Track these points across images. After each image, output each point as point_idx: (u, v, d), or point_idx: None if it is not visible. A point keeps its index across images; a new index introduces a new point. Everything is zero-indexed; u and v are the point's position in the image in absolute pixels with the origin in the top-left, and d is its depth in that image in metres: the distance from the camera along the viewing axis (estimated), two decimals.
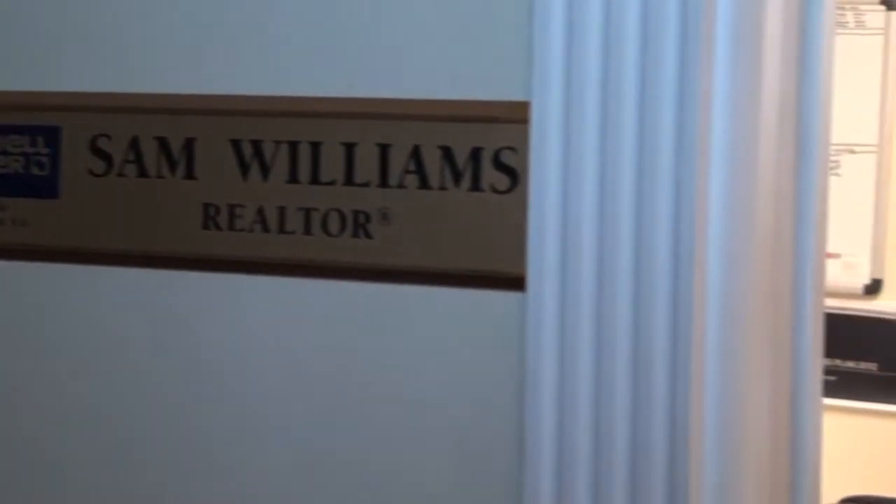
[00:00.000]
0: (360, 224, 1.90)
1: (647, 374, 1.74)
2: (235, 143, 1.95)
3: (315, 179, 1.92)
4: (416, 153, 1.88)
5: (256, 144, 1.94)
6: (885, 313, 3.51)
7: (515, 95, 1.83)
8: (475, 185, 1.86)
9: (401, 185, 1.89)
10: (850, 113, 3.51)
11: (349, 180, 1.91)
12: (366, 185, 1.90)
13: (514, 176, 1.85)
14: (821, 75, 1.81)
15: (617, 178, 1.75)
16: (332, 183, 1.92)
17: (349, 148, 1.90)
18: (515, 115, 1.82)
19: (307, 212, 1.92)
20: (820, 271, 1.84)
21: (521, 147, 1.82)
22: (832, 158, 3.55)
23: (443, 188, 1.87)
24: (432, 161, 1.87)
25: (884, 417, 3.51)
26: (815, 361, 1.85)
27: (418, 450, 1.91)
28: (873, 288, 3.52)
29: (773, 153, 1.75)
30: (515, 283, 1.82)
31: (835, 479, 3.31)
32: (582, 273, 1.76)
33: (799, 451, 1.83)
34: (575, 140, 1.76)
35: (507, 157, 1.85)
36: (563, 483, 1.77)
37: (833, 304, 3.54)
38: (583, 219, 1.76)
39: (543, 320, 1.78)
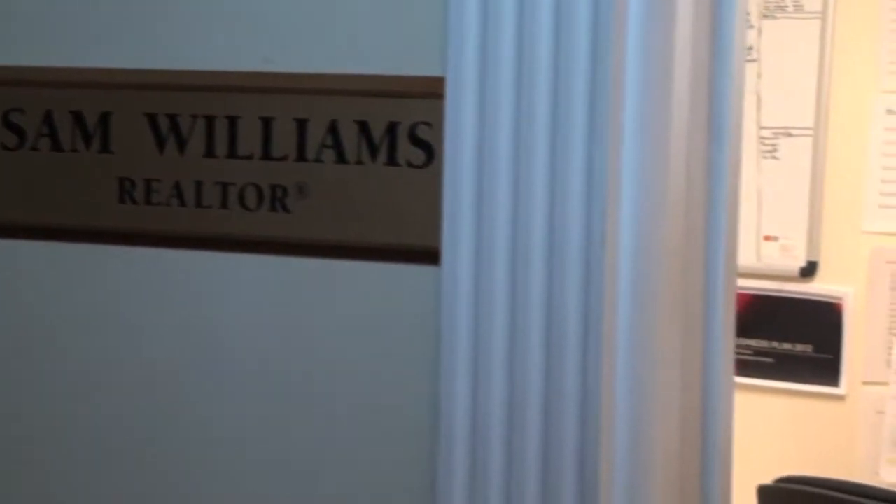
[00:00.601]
0: (277, 198, 1.91)
1: (559, 348, 1.75)
2: (151, 117, 1.95)
3: (232, 153, 1.93)
4: (332, 127, 1.89)
5: (173, 118, 1.94)
6: (820, 295, 3.54)
7: (431, 70, 1.84)
8: (391, 160, 1.88)
9: (318, 160, 1.90)
10: (787, 96, 3.53)
11: (266, 154, 1.91)
12: (283, 159, 1.91)
13: (430, 150, 1.86)
14: (734, 53, 1.82)
15: (530, 155, 1.76)
16: (249, 157, 1.92)
17: (266, 122, 1.91)
18: (430, 90, 1.83)
19: (224, 186, 1.93)
20: (732, 253, 1.86)
21: (436, 122, 1.84)
22: (770, 142, 3.59)
23: (359, 162, 1.89)
24: (349, 135, 1.88)
25: (819, 399, 3.54)
26: (726, 342, 1.87)
27: (332, 422, 1.93)
28: (809, 270, 3.54)
29: (684, 134, 1.76)
30: (430, 256, 1.83)
31: (771, 459, 3.36)
32: (496, 247, 1.77)
33: (710, 431, 1.85)
34: (489, 115, 1.78)
35: (422, 132, 1.87)
36: (477, 455, 1.78)
37: (770, 286, 3.61)
38: (497, 193, 1.77)
39: (457, 294, 1.79)
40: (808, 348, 3.56)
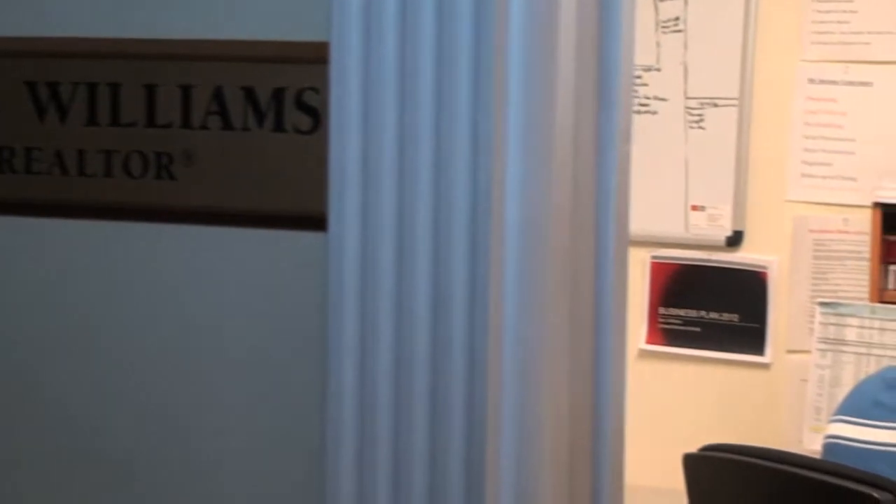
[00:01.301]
0: (162, 165, 1.89)
1: (446, 312, 1.74)
2: (31, 86, 1.92)
3: (115, 121, 1.90)
4: (218, 94, 1.87)
5: (53, 87, 1.91)
6: (746, 264, 3.54)
7: (316, 36, 1.81)
8: (278, 126, 1.85)
9: (204, 127, 1.87)
10: (713, 67, 3.52)
11: (151, 122, 1.89)
12: (168, 126, 1.88)
13: (317, 116, 1.84)
14: (622, 19, 1.80)
15: (416, 118, 1.75)
16: (132, 125, 1.90)
17: (150, 89, 1.88)
18: (316, 56, 1.80)
19: (108, 154, 1.91)
20: (623, 220, 1.85)
21: (323, 88, 1.81)
22: (696, 112, 3.58)
23: (246, 129, 1.86)
24: (235, 102, 1.86)
25: (746, 367, 3.55)
26: (618, 307, 1.85)
27: (221, 389, 1.91)
28: (735, 240, 3.54)
29: (571, 99, 1.74)
30: (317, 223, 1.81)
31: (698, 428, 3.35)
32: (382, 212, 1.76)
33: (602, 395, 1.83)
34: (374, 80, 1.76)
35: (309, 98, 1.84)
36: (366, 420, 1.77)
37: (698, 255, 3.61)
38: (383, 158, 1.76)
39: (344, 259, 1.78)
40: (735, 317, 3.56)
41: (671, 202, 3.58)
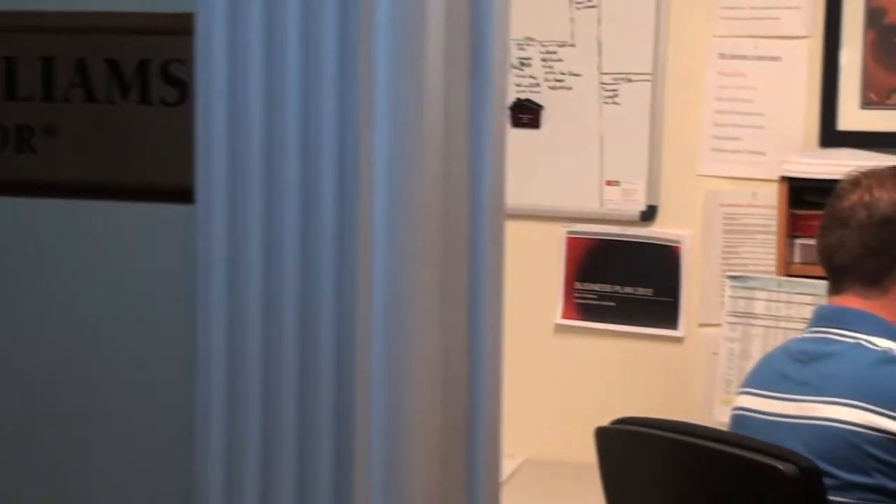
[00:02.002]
0: (24, 139, 1.84)
1: (315, 284, 1.71)
2: None
3: None
4: (81, 66, 1.81)
5: None
6: (659, 239, 3.52)
7: (181, 6, 1.77)
8: (144, 98, 1.81)
9: (66, 99, 1.83)
10: (626, 42, 3.49)
11: (10, 95, 1.84)
12: (28, 99, 1.83)
13: (184, 88, 1.79)
14: None
15: (283, 89, 1.72)
16: None
17: (9, 61, 1.84)
18: (181, 27, 1.76)
19: None
20: (499, 188, 1.80)
21: (189, 59, 1.77)
22: (610, 87, 3.55)
23: (110, 101, 1.82)
24: (98, 74, 1.82)
25: (659, 341, 3.53)
26: (493, 278, 1.81)
27: (89, 362, 1.87)
28: (649, 214, 3.52)
29: (440, 65, 1.69)
30: (185, 195, 1.76)
31: (613, 402, 3.34)
32: (250, 183, 1.73)
33: (477, 365, 1.79)
34: (240, 50, 1.73)
35: (175, 70, 1.80)
36: (235, 392, 1.74)
37: (612, 230, 3.58)
38: (250, 130, 1.72)
39: (212, 232, 1.76)
40: (649, 291, 3.54)
41: (586, 177, 3.56)
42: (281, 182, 1.70)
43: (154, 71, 1.79)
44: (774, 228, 3.25)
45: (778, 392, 2.38)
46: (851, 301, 2.38)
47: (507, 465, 3.54)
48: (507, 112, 1.83)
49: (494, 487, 1.81)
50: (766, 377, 2.45)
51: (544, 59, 3.58)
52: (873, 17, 3.29)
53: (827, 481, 2.17)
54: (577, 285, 3.60)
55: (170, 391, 1.84)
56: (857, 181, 2.41)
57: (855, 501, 2.22)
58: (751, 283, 3.21)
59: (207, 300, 1.74)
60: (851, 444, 2.22)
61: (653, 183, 3.52)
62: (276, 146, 1.70)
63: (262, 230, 1.71)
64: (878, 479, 2.20)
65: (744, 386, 2.52)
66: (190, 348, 1.77)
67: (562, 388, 3.63)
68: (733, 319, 3.23)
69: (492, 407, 1.83)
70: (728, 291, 3.24)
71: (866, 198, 2.37)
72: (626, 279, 3.56)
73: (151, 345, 1.85)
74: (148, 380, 1.85)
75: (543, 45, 3.58)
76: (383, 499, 1.65)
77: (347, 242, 1.68)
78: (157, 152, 1.81)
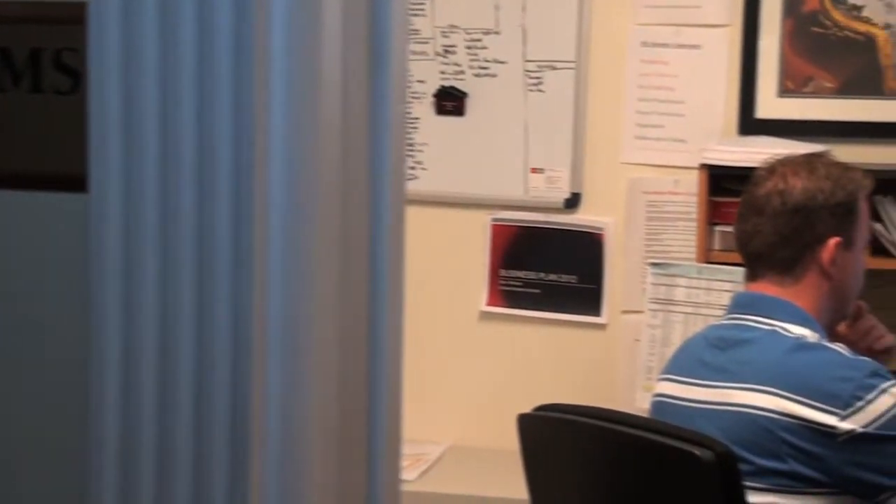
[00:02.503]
0: None
1: (210, 271, 1.66)
2: None
3: None
4: None
5: None
6: (583, 226, 3.50)
7: None
8: (36, 87, 1.75)
9: None
10: (550, 30, 3.46)
11: None
12: None
13: (76, 77, 1.72)
14: None
15: (178, 78, 1.67)
16: None
17: None
18: (74, 16, 1.70)
19: None
20: (399, 179, 1.76)
21: (81, 48, 1.71)
22: (534, 75, 3.51)
23: (1, 90, 1.75)
24: None
25: (583, 328, 3.51)
26: (394, 270, 1.76)
27: None
28: (573, 202, 3.50)
29: (338, 54, 1.65)
30: (79, 183, 1.71)
31: (539, 389, 3.31)
32: (145, 172, 1.69)
33: (377, 354, 1.74)
34: (134, 41, 1.69)
35: (68, 59, 1.75)
36: (130, 388, 1.69)
37: (537, 218, 3.55)
38: (144, 118, 1.67)
39: (106, 220, 1.72)
40: (573, 278, 3.52)
41: (511, 165, 3.53)
42: (177, 173, 1.65)
43: (46, 60, 1.74)
44: (695, 216, 3.23)
45: (696, 378, 2.36)
46: (767, 288, 2.36)
47: (432, 452, 3.53)
48: (405, 104, 1.77)
49: (395, 478, 1.76)
50: (685, 363, 2.43)
51: (469, 47, 3.54)
52: (791, 6, 3.29)
53: (742, 467, 2.16)
54: (502, 272, 3.57)
55: (62, 388, 1.78)
56: (773, 169, 2.39)
57: (769, 486, 2.21)
58: (672, 270, 3.19)
59: (101, 290, 1.70)
60: (766, 430, 2.21)
61: (577, 170, 3.49)
62: (171, 136, 1.65)
63: (157, 219, 1.67)
64: (792, 465, 2.19)
65: (664, 372, 2.50)
66: (84, 343, 1.72)
67: (486, 374, 3.60)
68: (655, 306, 3.21)
69: (391, 401, 1.78)
70: (649, 278, 3.22)
71: (781, 185, 2.35)
72: (551, 266, 3.54)
73: (42, 339, 1.78)
74: (40, 377, 1.79)
75: (468, 33, 3.54)
76: (279, 493, 1.60)
77: (243, 234, 1.63)
78: (51, 141, 1.76)
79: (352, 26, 1.65)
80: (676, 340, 3.08)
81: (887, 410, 2.17)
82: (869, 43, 3.24)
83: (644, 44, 3.41)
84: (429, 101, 3.57)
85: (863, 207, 2.39)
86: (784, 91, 3.31)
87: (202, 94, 1.64)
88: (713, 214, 3.19)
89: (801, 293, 2.34)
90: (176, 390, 1.66)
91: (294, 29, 1.61)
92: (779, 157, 2.43)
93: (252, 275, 1.63)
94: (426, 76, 3.57)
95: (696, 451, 2.08)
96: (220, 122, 1.63)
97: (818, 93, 3.29)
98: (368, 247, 1.72)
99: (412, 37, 3.57)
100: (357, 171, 1.69)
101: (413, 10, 3.57)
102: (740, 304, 2.40)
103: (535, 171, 3.53)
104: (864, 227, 2.40)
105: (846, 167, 2.42)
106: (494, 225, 3.57)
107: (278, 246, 1.63)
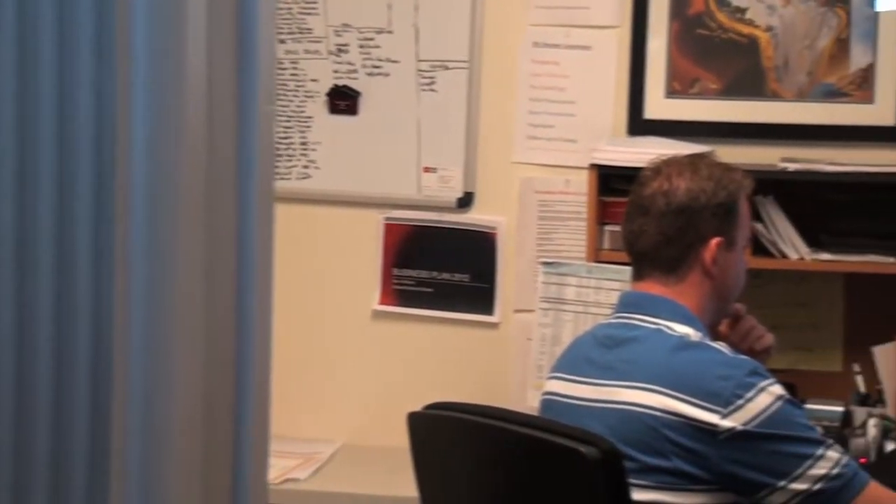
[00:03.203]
0: None
1: (70, 272, 1.61)
2: None
3: None
4: None
5: None
6: (476, 225, 3.50)
7: None
8: None
9: None
10: (443, 29, 3.46)
11: None
12: None
13: None
14: None
15: (37, 80, 1.61)
16: None
17: None
18: None
19: None
20: (267, 177, 1.74)
21: None
22: (427, 75, 3.50)
23: None
24: None
25: (476, 327, 3.52)
26: (262, 271, 1.74)
27: None
28: (465, 201, 3.50)
29: (203, 56, 1.61)
30: None
31: (432, 387, 3.30)
32: (2, 175, 1.61)
33: (244, 348, 1.72)
34: None
35: None
36: None
37: (429, 217, 3.54)
38: (2, 118, 1.60)
39: None
40: (466, 277, 3.52)
41: (404, 164, 3.52)
42: (36, 173, 1.61)
43: None
44: (586, 215, 3.24)
45: (584, 377, 2.36)
46: (652, 287, 2.38)
47: (325, 450, 3.51)
48: (274, 104, 1.75)
49: (262, 473, 1.74)
50: (573, 362, 2.43)
51: (362, 46, 3.53)
52: (678, 9, 3.31)
53: (628, 464, 2.16)
54: (395, 271, 3.56)
55: None
56: (658, 169, 2.40)
57: (653, 484, 2.22)
58: (562, 270, 3.20)
59: None
60: (651, 428, 2.22)
61: (469, 170, 3.49)
62: (31, 137, 1.60)
63: (12, 220, 1.61)
64: (675, 463, 2.20)
65: (553, 371, 2.51)
66: None
67: (379, 373, 3.58)
68: (546, 305, 3.22)
69: (259, 396, 1.75)
70: (541, 277, 3.23)
71: (665, 186, 2.36)
72: (443, 265, 3.53)
73: None
74: None
75: (361, 32, 3.52)
76: (141, 489, 1.57)
77: (104, 233, 1.59)
78: None
79: (218, 25, 1.62)
80: (567, 339, 3.09)
81: (766, 408, 2.19)
82: (752, 45, 3.28)
83: (535, 44, 3.42)
84: (322, 100, 3.55)
85: (743, 207, 2.41)
86: (671, 92, 3.34)
87: (62, 94, 1.60)
88: (603, 214, 3.21)
89: (685, 292, 2.36)
90: (35, 387, 1.61)
91: (157, 28, 1.57)
92: (664, 158, 2.45)
93: (113, 273, 1.59)
94: (319, 75, 3.54)
95: (582, 449, 2.09)
96: (82, 121, 1.59)
97: (703, 94, 3.32)
98: (235, 244, 1.69)
99: (305, 36, 3.55)
100: (223, 170, 1.66)
101: (306, 8, 3.55)
102: (627, 304, 2.42)
103: (427, 170, 3.52)
104: (744, 227, 2.41)
105: (728, 168, 2.43)
106: (387, 224, 3.56)
107: (140, 244, 1.59)
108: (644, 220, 2.37)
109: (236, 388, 1.70)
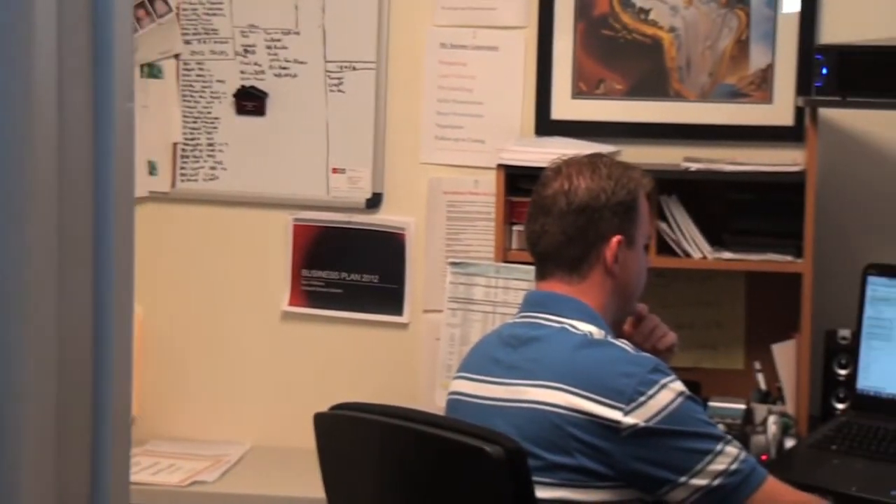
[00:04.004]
0: None
1: None
2: None
3: None
4: None
5: None
6: (385, 226, 3.50)
7: None
8: None
9: None
10: (350, 30, 3.46)
11: None
12: None
13: None
14: None
15: None
16: None
17: None
18: None
19: None
20: (126, 177, 1.69)
21: None
22: (335, 76, 3.49)
23: None
24: None
25: (385, 327, 3.52)
26: (121, 277, 1.69)
27: None
28: (374, 202, 3.49)
29: (53, 55, 1.56)
30: None
31: (340, 388, 3.29)
32: None
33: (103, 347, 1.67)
34: None
35: None
36: None
37: (338, 218, 3.53)
38: None
39: None
40: (375, 278, 3.52)
41: (312, 165, 3.51)
42: None
43: None
44: (494, 215, 3.25)
45: (490, 376, 2.37)
46: (556, 286, 2.39)
47: (233, 452, 3.48)
48: (134, 102, 1.71)
49: (122, 480, 1.69)
50: (479, 362, 2.44)
51: (269, 47, 3.51)
52: (583, 9, 3.33)
53: (533, 463, 2.17)
54: (304, 272, 3.55)
55: None
56: (559, 169, 2.42)
57: (558, 482, 2.23)
58: (470, 270, 3.21)
59: None
60: (555, 426, 2.23)
61: (378, 171, 3.49)
62: None
63: None
64: (580, 460, 2.22)
65: (459, 370, 2.51)
66: None
67: (289, 374, 3.57)
68: (454, 305, 3.22)
69: (119, 406, 1.70)
70: (449, 278, 3.23)
71: (566, 185, 2.38)
72: (353, 266, 3.53)
73: None
74: None
75: (268, 33, 3.50)
76: None
77: None
78: None
79: (69, 21, 1.58)
80: (475, 339, 3.09)
81: (667, 405, 2.21)
82: (656, 46, 3.31)
83: (443, 45, 3.42)
84: (229, 100, 3.52)
85: (643, 206, 2.43)
86: (578, 93, 3.36)
87: None
88: (511, 214, 3.22)
89: (588, 291, 2.37)
90: None
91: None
92: (564, 158, 2.47)
93: None
94: (225, 76, 3.52)
95: (486, 448, 2.09)
96: None
97: (609, 94, 3.34)
98: (92, 244, 1.65)
99: (210, 36, 3.53)
100: (77, 171, 1.61)
101: (211, 10, 3.53)
102: (531, 303, 2.43)
103: (336, 171, 3.51)
104: (644, 225, 2.43)
105: (627, 167, 2.45)
106: (296, 225, 3.55)
107: None
108: (546, 220, 2.38)
109: (93, 392, 1.65)
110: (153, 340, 3.58)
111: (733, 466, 2.22)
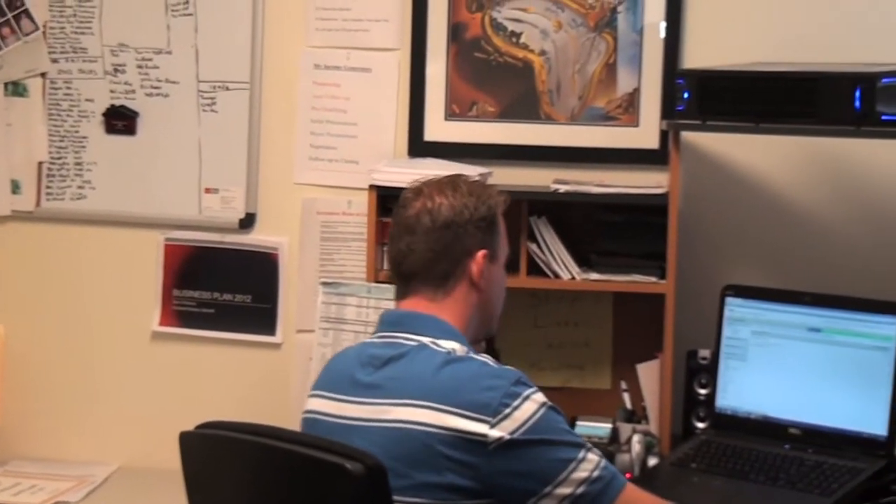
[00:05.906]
0: None
1: None
2: None
3: None
4: None
5: None
6: (258, 246, 3.48)
7: None
8: None
9: None
10: (223, 50, 3.45)
11: None
12: None
13: None
14: None
15: None
16: None
17: None
18: None
19: None
20: None
21: None
22: (208, 95, 3.46)
23: None
24: None
25: (258, 347, 3.50)
26: None
27: None
28: (247, 222, 3.47)
29: None
30: None
31: (211, 408, 3.22)
32: None
33: None
34: None
35: None
36: None
37: (211, 238, 3.50)
38: None
39: None
40: (248, 298, 3.50)
41: (185, 184, 3.48)
42: None
43: None
44: (367, 236, 3.25)
45: (350, 396, 2.35)
46: (417, 305, 2.39)
47: (99, 473, 3.44)
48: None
49: None
50: (337, 381, 2.42)
51: (140, 66, 3.47)
52: (456, 32, 3.35)
53: (401, 482, 2.17)
54: (176, 292, 3.51)
55: None
56: (419, 190, 2.43)
57: (427, 501, 2.22)
58: (342, 290, 3.20)
59: None
60: (424, 445, 2.22)
61: (251, 191, 3.47)
62: None
63: None
64: (448, 477, 2.21)
65: (314, 388, 2.48)
66: None
67: (159, 395, 3.52)
68: (326, 325, 3.21)
69: None
70: (320, 297, 3.22)
71: (428, 204, 2.39)
72: (225, 286, 3.50)
73: None
74: None
75: (139, 52, 3.47)
76: None
77: None
78: None
79: None
80: None
81: (531, 416, 2.22)
82: (527, 69, 3.33)
83: (317, 66, 3.42)
84: (98, 119, 3.48)
85: (501, 222, 2.46)
86: (451, 115, 3.37)
87: None
88: (383, 234, 3.20)
89: (451, 307, 2.38)
90: None
91: None
92: (422, 180, 2.48)
93: None
94: (95, 95, 3.48)
95: (347, 465, 2.08)
96: None
97: (481, 116, 3.36)
98: None
99: (79, 55, 3.49)
100: None
101: (80, 28, 3.49)
102: (389, 323, 2.42)
103: (209, 191, 3.48)
104: (503, 241, 2.46)
105: (485, 185, 2.50)
106: (168, 245, 3.51)
107: None
108: (412, 239, 2.39)
109: None
110: (16, 359, 3.53)
111: (595, 473, 2.24)
